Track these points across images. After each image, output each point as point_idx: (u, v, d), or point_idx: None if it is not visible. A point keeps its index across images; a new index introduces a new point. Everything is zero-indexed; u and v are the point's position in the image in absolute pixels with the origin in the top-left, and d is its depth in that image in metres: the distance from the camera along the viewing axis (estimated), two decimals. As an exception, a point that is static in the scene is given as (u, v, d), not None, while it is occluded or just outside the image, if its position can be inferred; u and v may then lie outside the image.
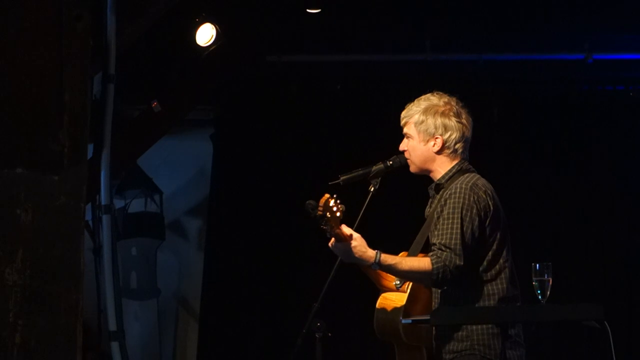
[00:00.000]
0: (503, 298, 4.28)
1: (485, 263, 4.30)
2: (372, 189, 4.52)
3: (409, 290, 4.39)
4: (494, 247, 4.32)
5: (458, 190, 4.31)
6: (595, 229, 7.28)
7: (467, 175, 4.40)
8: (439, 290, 4.36)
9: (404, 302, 4.36)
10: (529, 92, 7.45)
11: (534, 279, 3.97)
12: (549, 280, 3.95)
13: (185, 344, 7.78)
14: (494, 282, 4.30)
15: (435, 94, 4.50)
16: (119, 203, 7.47)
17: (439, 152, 4.44)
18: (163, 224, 7.68)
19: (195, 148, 7.74)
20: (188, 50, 6.63)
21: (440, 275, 4.18)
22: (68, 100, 3.66)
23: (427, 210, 4.52)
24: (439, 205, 4.36)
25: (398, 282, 4.40)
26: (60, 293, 3.58)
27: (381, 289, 4.47)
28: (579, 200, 7.29)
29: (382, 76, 7.41)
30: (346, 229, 4.20)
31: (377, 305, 4.45)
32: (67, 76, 3.67)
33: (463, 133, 4.44)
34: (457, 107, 4.47)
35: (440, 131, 4.42)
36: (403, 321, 4.31)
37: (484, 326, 4.25)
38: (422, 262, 4.22)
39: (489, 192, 4.36)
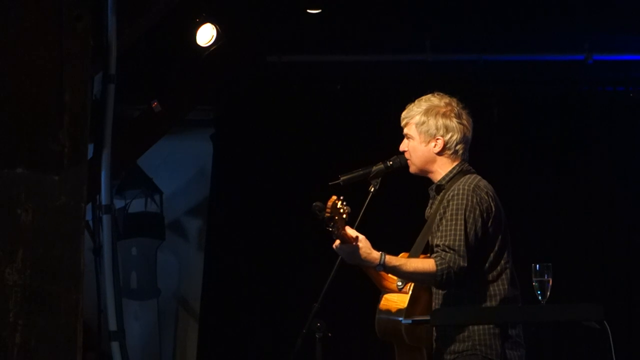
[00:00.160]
0: (504, 299, 4.28)
1: (487, 264, 4.31)
2: (372, 190, 4.51)
3: (410, 292, 4.39)
4: (496, 248, 4.32)
5: (461, 191, 4.31)
6: (595, 229, 7.27)
7: (468, 176, 4.40)
8: (440, 291, 4.36)
9: (406, 303, 4.36)
10: (529, 93, 7.44)
11: (534, 279, 3.97)
12: (549, 281, 3.95)
13: (185, 344, 7.78)
14: (495, 283, 4.31)
15: (435, 94, 4.50)
16: (119, 203, 7.47)
17: (439, 153, 4.44)
18: (163, 224, 7.68)
19: (195, 148, 7.74)
20: (188, 51, 6.62)
21: (444, 277, 4.18)
22: (68, 100, 3.66)
23: (428, 211, 4.52)
24: (441, 207, 4.35)
25: (400, 284, 4.40)
26: (60, 293, 3.58)
27: (383, 290, 4.47)
28: (579, 200, 7.29)
29: (382, 76, 7.41)
30: (351, 231, 4.21)
31: (379, 306, 4.45)
32: (67, 76, 3.67)
33: (464, 134, 4.45)
34: (457, 108, 4.47)
35: (441, 132, 4.42)
36: (403, 321, 4.31)
37: (485, 326, 4.25)
38: (426, 264, 4.22)
39: (490, 193, 4.36)
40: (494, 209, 4.32)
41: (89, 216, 4.03)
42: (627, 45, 7.10)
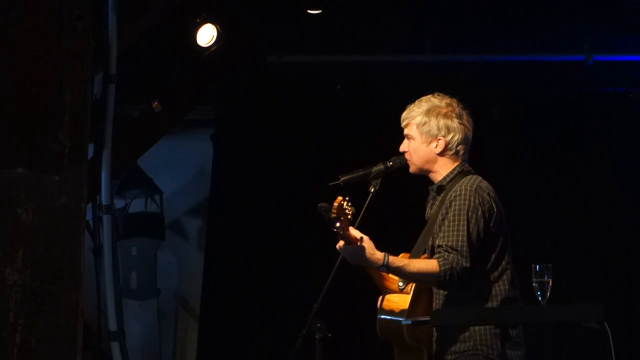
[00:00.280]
0: (505, 299, 4.29)
1: (488, 265, 4.31)
2: (372, 190, 4.51)
3: (412, 292, 4.39)
4: (497, 248, 4.33)
5: (463, 192, 4.31)
6: (595, 229, 7.27)
7: (469, 177, 4.40)
8: (440, 292, 4.36)
9: (407, 304, 4.36)
10: (529, 93, 7.44)
11: (534, 280, 3.97)
12: (549, 282, 3.95)
13: (185, 344, 7.79)
14: (496, 284, 4.31)
15: (436, 95, 4.50)
16: (119, 203, 7.47)
17: (441, 154, 4.44)
18: (163, 224, 7.68)
19: (195, 148, 7.74)
20: (188, 51, 6.62)
21: (447, 277, 4.18)
22: (68, 100, 3.66)
23: (428, 211, 4.52)
24: (442, 207, 4.35)
25: (401, 284, 4.40)
26: (60, 293, 3.58)
27: (384, 291, 4.47)
28: (579, 200, 7.29)
29: (382, 77, 7.41)
30: (355, 232, 4.21)
31: (381, 307, 4.45)
32: (67, 76, 3.67)
33: (465, 134, 4.45)
34: (458, 108, 4.47)
35: (442, 132, 4.42)
36: (403, 322, 4.31)
37: (486, 326, 4.25)
38: (429, 264, 4.22)
39: (491, 194, 4.36)
40: (495, 210, 4.33)
41: (89, 216, 4.03)
42: (627, 45, 7.10)
